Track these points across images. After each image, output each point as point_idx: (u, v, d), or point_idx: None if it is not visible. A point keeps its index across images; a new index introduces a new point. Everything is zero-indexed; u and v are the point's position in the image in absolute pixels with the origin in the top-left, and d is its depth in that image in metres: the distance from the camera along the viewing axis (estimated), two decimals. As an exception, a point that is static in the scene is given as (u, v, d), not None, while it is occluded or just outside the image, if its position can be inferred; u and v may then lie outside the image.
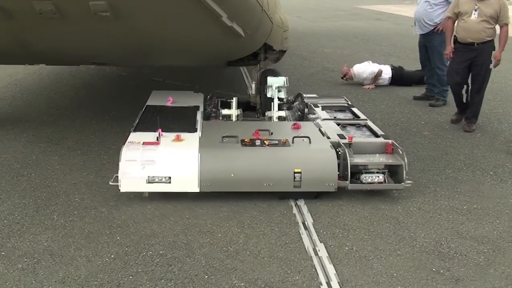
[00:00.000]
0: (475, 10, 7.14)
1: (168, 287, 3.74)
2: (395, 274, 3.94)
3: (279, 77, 6.89)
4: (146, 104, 6.57)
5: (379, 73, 10.07)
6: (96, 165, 5.93)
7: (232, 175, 4.93)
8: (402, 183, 5.11)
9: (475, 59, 7.27)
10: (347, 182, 5.03)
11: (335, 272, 3.94)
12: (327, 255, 4.17)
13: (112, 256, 4.12)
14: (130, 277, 3.85)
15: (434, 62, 8.93)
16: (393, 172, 5.27)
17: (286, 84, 6.79)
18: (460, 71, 7.36)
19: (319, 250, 4.23)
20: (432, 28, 8.79)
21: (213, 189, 4.95)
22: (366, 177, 5.12)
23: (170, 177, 4.89)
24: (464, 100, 7.62)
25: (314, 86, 10.05)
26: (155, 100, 6.77)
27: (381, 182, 5.12)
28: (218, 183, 4.94)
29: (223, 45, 6.17)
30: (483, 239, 4.48)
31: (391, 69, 10.24)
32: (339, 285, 3.78)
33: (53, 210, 4.87)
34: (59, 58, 7.12)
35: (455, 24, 7.48)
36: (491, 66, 7.25)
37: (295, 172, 4.96)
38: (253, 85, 7.59)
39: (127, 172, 4.89)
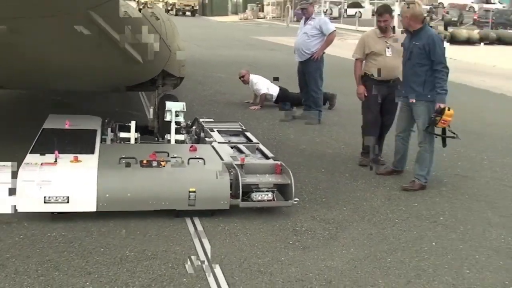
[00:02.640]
0: (388, 48, 7.29)
1: (70, 257, 4.55)
2: (256, 244, 4.96)
3: (178, 102, 7.21)
4: (43, 127, 6.57)
5: (262, 97, 11.25)
6: None
7: (129, 194, 5.18)
8: (290, 201, 5.58)
9: (388, 95, 7.38)
10: (239, 200, 5.42)
11: (209, 244, 4.89)
12: (204, 233, 5.11)
13: (21, 236, 4.86)
14: (38, 250, 4.62)
15: (310, 86, 10.17)
16: (282, 190, 5.75)
17: (184, 109, 7.04)
18: (376, 107, 7.46)
19: (197, 230, 5.17)
20: (309, 56, 10.04)
21: (110, 209, 5.16)
22: (256, 195, 5.51)
23: (68, 197, 5.03)
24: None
25: (206, 106, 11.07)
26: (51, 123, 6.77)
27: (270, 200, 5.55)
28: (115, 202, 5.16)
29: (122, 71, 6.62)
30: (330, 221, 5.60)
31: (279, 89, 11.44)
32: (211, 252, 4.74)
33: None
34: None
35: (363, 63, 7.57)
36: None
37: (190, 191, 5.28)
38: (151, 110, 8.00)
39: (24, 193, 4.97)
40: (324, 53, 10.11)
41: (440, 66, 6.38)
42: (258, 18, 56.07)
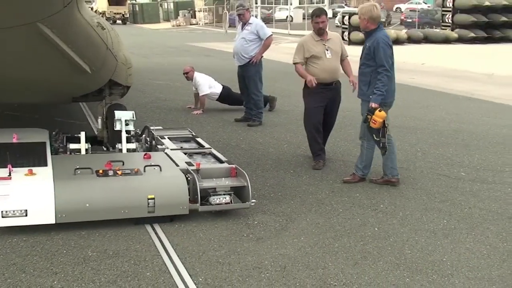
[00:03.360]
0: (327, 50, 7.40)
1: (34, 260, 4.71)
2: (212, 238, 5.24)
3: (127, 111, 7.19)
4: None
5: (202, 100, 11.52)
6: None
7: (87, 205, 5.20)
8: (247, 202, 5.75)
9: (331, 98, 7.59)
10: (198, 204, 5.52)
11: (167, 241, 5.13)
12: (162, 231, 5.34)
13: (-18, 244, 4.97)
14: (1, 256, 4.75)
15: (251, 89, 10.51)
16: (238, 193, 5.90)
17: (134, 117, 7.06)
18: (319, 111, 7.60)
19: (155, 229, 5.39)
20: (248, 60, 10.37)
21: (69, 220, 5.17)
22: (214, 199, 5.65)
23: (26, 210, 5.01)
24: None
25: (148, 113, 11.25)
26: None
27: (228, 203, 5.69)
28: (73, 213, 5.17)
29: (70, 81, 6.57)
30: (280, 213, 5.94)
31: (222, 87, 11.73)
32: (171, 247, 5.00)
33: None
34: None
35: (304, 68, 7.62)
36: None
37: (148, 198, 5.35)
38: (100, 120, 7.97)
39: None
40: (262, 57, 10.47)
41: (381, 68, 6.52)
42: (191, 24, 56.22)
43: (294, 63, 7.67)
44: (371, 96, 6.65)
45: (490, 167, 7.88)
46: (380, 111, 6.50)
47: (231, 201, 5.72)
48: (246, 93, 10.67)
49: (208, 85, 11.61)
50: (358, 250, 5.11)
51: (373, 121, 6.52)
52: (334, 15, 44.63)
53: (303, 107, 7.88)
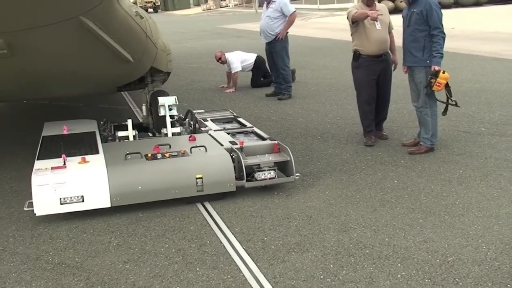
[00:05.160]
0: (377, 21, 7.19)
1: (93, 222, 5.42)
2: (246, 197, 5.87)
3: (170, 97, 7.36)
4: (42, 135, 6.87)
5: (235, 78, 12.13)
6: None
7: (140, 187, 5.47)
8: (292, 176, 5.96)
9: (382, 70, 7.41)
10: (244, 181, 5.76)
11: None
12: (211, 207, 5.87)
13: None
14: (65, 221, 5.47)
15: (279, 64, 11.06)
16: (282, 168, 6.16)
17: (176, 102, 7.23)
18: (370, 86, 7.41)
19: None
20: (274, 37, 10.91)
21: (123, 203, 5.45)
22: (259, 175, 5.87)
23: (82, 196, 5.30)
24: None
25: (184, 94, 11.85)
26: (49, 130, 7.06)
27: (272, 178, 5.91)
28: (127, 196, 5.44)
29: (114, 71, 6.87)
30: (307, 173, 6.53)
31: (256, 56, 12.37)
32: (211, 206, 5.67)
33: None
34: None
35: (354, 41, 7.47)
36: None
37: (197, 178, 5.60)
38: (144, 107, 8.27)
39: (39, 197, 5.23)
40: (287, 32, 10.99)
41: (437, 31, 6.56)
42: (221, 7, 56.79)
43: (351, 16, 7.26)
44: (428, 61, 6.70)
45: (511, 121, 8.26)
46: (443, 72, 6.54)
47: (275, 176, 5.94)
48: (275, 68, 11.21)
49: (240, 61, 12.19)
50: (378, 199, 5.67)
51: (437, 84, 6.53)
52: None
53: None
